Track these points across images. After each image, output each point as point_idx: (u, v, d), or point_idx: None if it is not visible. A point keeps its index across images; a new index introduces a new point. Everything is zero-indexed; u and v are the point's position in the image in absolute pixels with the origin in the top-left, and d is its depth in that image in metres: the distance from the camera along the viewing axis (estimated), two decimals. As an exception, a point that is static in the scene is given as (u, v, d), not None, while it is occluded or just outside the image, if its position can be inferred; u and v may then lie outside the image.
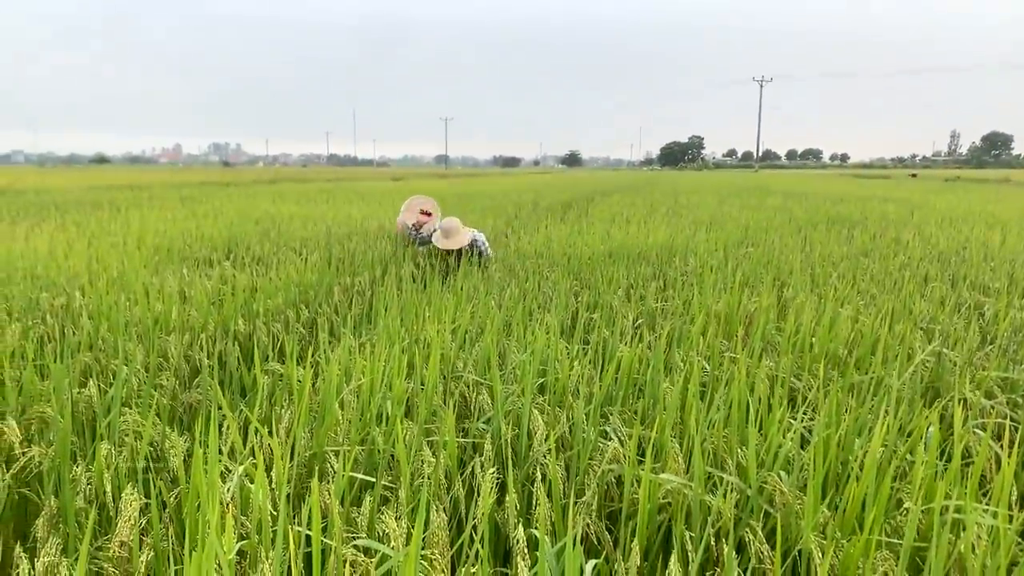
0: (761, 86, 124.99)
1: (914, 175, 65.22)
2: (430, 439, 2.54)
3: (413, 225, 7.81)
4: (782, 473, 2.28)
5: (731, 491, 2.19)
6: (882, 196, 21.27)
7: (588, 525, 2.15)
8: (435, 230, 7.01)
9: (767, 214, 13.09)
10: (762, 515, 2.22)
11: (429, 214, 7.86)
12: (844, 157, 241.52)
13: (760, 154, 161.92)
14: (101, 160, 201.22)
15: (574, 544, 1.68)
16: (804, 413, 2.83)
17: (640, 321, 4.52)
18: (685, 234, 8.98)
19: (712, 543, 2.09)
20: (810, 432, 2.86)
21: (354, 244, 8.11)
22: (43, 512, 2.07)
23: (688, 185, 33.13)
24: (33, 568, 1.78)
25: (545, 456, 2.47)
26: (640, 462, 2.36)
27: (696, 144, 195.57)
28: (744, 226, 10.51)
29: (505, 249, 7.96)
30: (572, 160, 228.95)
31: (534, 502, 2.16)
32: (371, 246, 7.97)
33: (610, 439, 2.56)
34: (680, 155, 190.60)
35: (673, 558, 1.81)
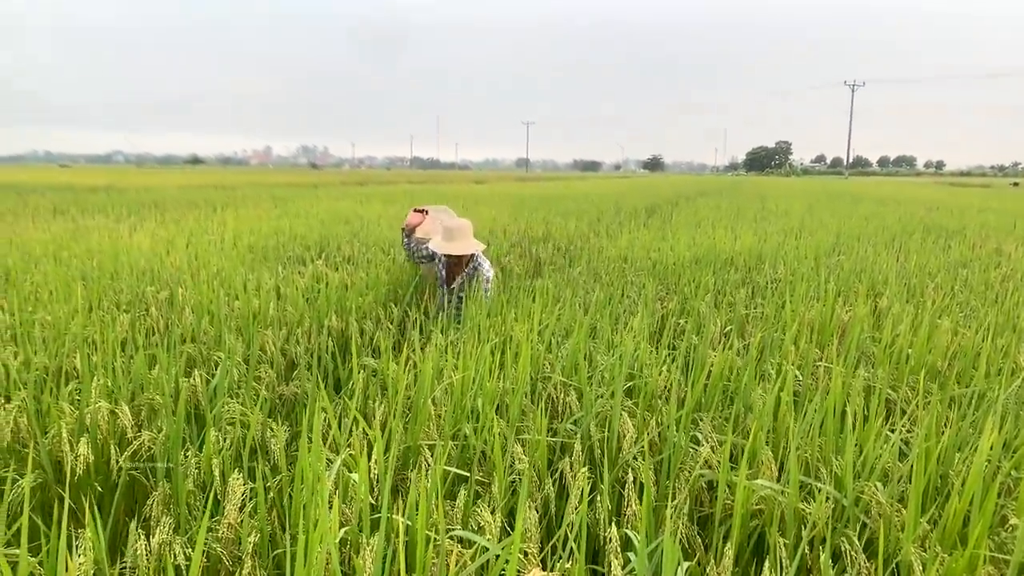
0: (852, 90, 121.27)
1: (1016, 184, 62.25)
2: (520, 437, 2.58)
3: (403, 229, 5.42)
4: (879, 484, 2.23)
5: (826, 500, 2.15)
6: (980, 206, 20.39)
7: (679, 528, 2.14)
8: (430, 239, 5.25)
9: (859, 222, 12.71)
10: (858, 526, 2.17)
11: (424, 211, 5.47)
12: (939, 164, 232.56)
13: (850, 160, 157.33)
14: (195, 161, 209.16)
15: (662, 544, 1.68)
16: (902, 425, 2.76)
17: (729, 328, 4.46)
18: (773, 241, 8.81)
19: (806, 551, 2.06)
20: (907, 444, 2.78)
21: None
22: (155, 493, 2.18)
23: (775, 191, 32.43)
24: (149, 544, 1.89)
25: (636, 458, 2.48)
26: (733, 468, 2.34)
27: (783, 149, 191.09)
28: (835, 233, 10.23)
29: (588, 253, 7.95)
30: (654, 164, 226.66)
31: (624, 503, 2.17)
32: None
33: (701, 445, 2.55)
34: (766, 160, 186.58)
35: (767, 565, 1.80)
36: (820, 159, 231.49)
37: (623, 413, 2.66)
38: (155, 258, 6.61)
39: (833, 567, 2.00)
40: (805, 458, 2.48)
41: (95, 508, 1.95)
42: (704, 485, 2.45)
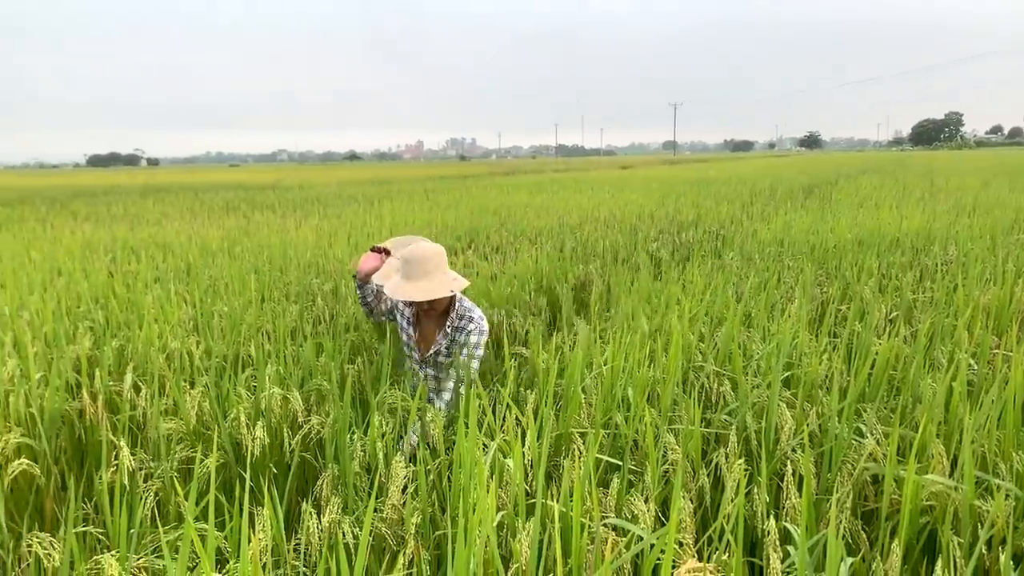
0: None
1: None
2: (672, 427, 2.56)
3: (355, 277, 3.51)
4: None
5: (1006, 498, 2.01)
6: None
7: (842, 523, 2.06)
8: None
9: (1043, 197, 11.67)
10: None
11: (383, 251, 3.47)
12: None
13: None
14: (352, 157, 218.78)
15: (824, 541, 1.63)
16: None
17: (895, 314, 4.23)
18: (944, 219, 8.24)
19: (984, 551, 1.93)
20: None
21: (586, 233, 8.25)
22: (325, 475, 2.32)
23: (945, 166, 30.25)
24: (320, 522, 2.01)
25: (795, 450, 2.40)
26: (900, 462, 2.23)
27: (954, 121, 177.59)
28: (1016, 210, 9.45)
29: (741, 237, 7.73)
30: (811, 142, 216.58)
31: (783, 496, 2.12)
32: (603, 235, 8.06)
33: (865, 437, 2.44)
34: (935, 133, 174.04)
35: (939, 564, 1.70)
36: (996, 130, 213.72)
37: (781, 404, 2.58)
38: (319, 251, 6.98)
39: (1015, 569, 1.86)
40: (981, 452, 2.32)
41: (273, 488, 2.10)
42: (868, 479, 2.35)
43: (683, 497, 1.97)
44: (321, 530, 1.98)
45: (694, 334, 3.42)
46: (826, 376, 3.04)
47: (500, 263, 6.17)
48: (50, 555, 1.79)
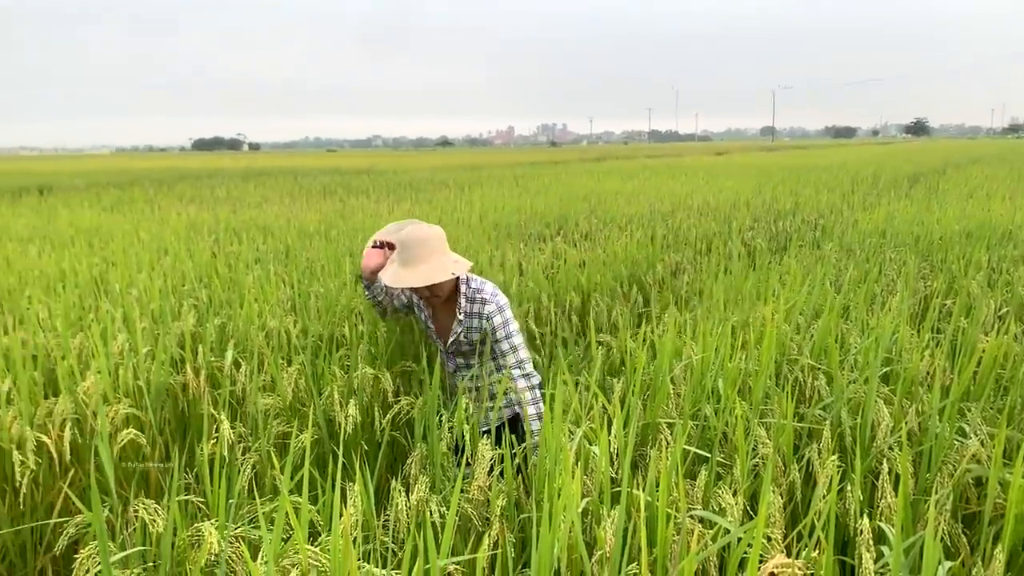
0: None
1: None
2: (763, 421, 2.50)
3: (360, 278, 3.36)
4: None
5: None
6: None
7: (940, 525, 1.99)
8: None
9: None
10: None
11: (386, 246, 3.17)
12: None
13: None
14: (444, 143, 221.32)
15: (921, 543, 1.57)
16: None
17: (1005, 310, 4.02)
18: (1063, 212, 7.77)
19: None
20: None
21: (678, 220, 8.13)
22: (414, 454, 2.37)
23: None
24: (408, 500, 2.05)
25: (891, 448, 2.32)
26: (1006, 464, 2.13)
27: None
28: None
29: (841, 227, 7.48)
30: (918, 129, 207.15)
31: (878, 495, 2.05)
32: (695, 223, 7.92)
33: (968, 437, 2.33)
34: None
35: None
36: None
37: (878, 400, 2.49)
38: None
39: None
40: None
41: (365, 464, 2.16)
42: (971, 481, 2.25)
43: (773, 492, 1.93)
44: (409, 508, 2.02)
45: (789, 326, 3.34)
46: (928, 373, 2.93)
47: (589, 250, 6.14)
48: (155, 521, 1.89)
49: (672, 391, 2.67)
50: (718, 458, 2.25)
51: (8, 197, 14.58)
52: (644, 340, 3.33)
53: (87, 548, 1.74)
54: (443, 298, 3.03)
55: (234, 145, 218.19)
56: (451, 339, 3.07)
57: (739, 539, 1.66)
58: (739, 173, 17.60)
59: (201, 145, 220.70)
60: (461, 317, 3.01)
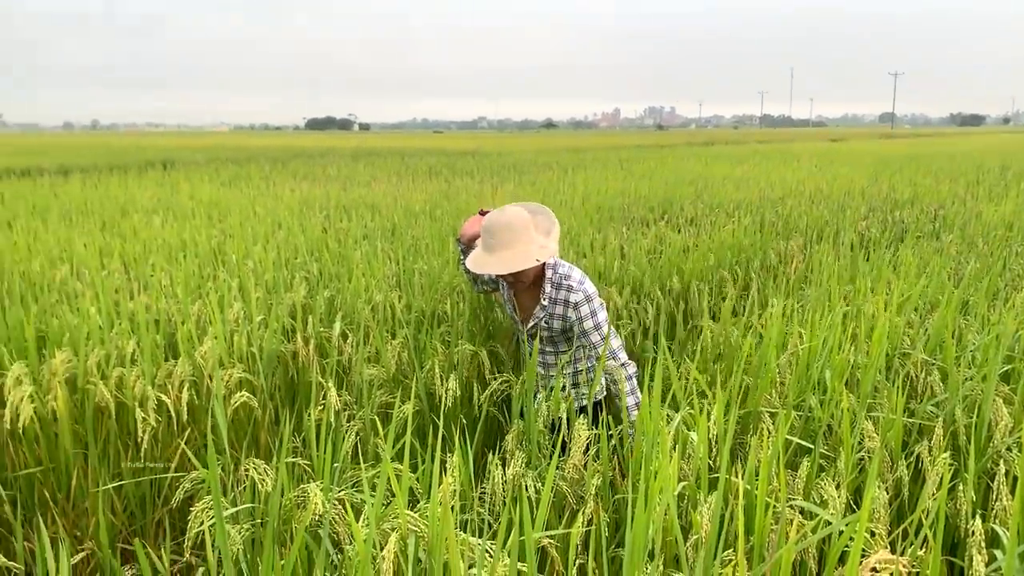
0: None
1: None
2: (871, 415, 2.42)
3: (459, 240, 3.21)
4: None
5: None
6: None
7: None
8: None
9: None
10: None
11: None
12: None
13: None
14: (549, 125, 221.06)
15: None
16: None
17: None
18: None
19: None
20: None
21: (788, 208, 7.89)
22: (511, 430, 2.40)
23: None
24: (504, 474, 2.09)
25: (1009, 449, 2.21)
26: None
27: None
28: None
29: (963, 218, 7.10)
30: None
31: (992, 496, 1.96)
32: (806, 210, 7.68)
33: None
34: None
35: None
36: None
37: (997, 398, 2.37)
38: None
39: None
40: None
41: (464, 437, 2.21)
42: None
43: (878, 487, 1.87)
44: (505, 481, 2.06)
45: (902, 318, 3.20)
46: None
47: (694, 235, 6.04)
48: (264, 480, 1.99)
49: (777, 379, 2.61)
50: (821, 450, 2.20)
51: (135, 170, 15.44)
52: (748, 327, 3.27)
53: (201, 503, 1.84)
54: (528, 283, 2.91)
55: (345, 125, 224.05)
56: (531, 323, 2.98)
57: (840, 532, 1.62)
58: (855, 160, 16.92)
59: (314, 124, 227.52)
60: (545, 303, 2.90)
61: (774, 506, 1.72)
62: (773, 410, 2.44)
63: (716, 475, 1.85)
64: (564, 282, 2.86)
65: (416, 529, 1.67)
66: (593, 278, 4.47)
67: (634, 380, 2.79)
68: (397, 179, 13.06)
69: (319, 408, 2.62)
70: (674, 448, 1.92)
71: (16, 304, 3.24)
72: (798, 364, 2.63)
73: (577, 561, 1.72)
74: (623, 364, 2.79)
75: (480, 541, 1.61)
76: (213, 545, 1.67)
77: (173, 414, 2.74)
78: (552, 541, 1.80)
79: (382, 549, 1.60)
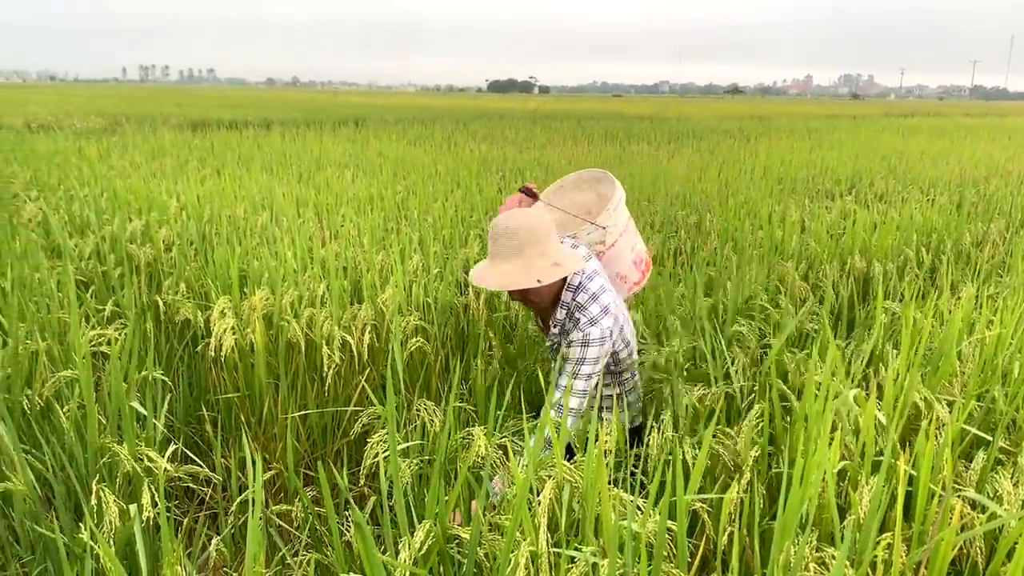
0: None
1: None
2: (1065, 412, 2.25)
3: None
4: None
5: None
6: None
7: None
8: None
9: None
10: None
11: (531, 193, 2.64)
12: None
13: None
14: (734, 91, 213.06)
15: None
16: None
17: None
18: None
19: None
20: None
21: (992, 188, 7.28)
22: (667, 397, 2.42)
23: None
24: (660, 439, 2.12)
25: None
26: None
27: None
28: None
29: None
30: None
31: None
32: (1015, 191, 7.05)
33: None
34: None
35: None
36: None
37: None
38: (688, 184, 7.03)
39: None
40: None
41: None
42: None
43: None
44: (661, 445, 2.09)
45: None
46: None
47: (883, 213, 5.71)
48: (433, 421, 2.13)
49: (958, 368, 2.47)
50: (1001, 444, 2.08)
51: (330, 127, 16.36)
52: (932, 311, 3.09)
53: (377, 435, 2.00)
54: (541, 304, 2.37)
55: (526, 88, 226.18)
56: (548, 341, 2.51)
57: (1011, 527, 1.54)
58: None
59: (496, 87, 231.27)
60: (555, 329, 2.39)
61: (939, 494, 1.66)
62: (951, 399, 2.32)
63: (881, 458, 1.80)
64: (576, 314, 2.29)
65: (571, 480, 1.74)
66: (768, 250, 4.33)
67: (584, 404, 2.24)
68: (572, 143, 13.11)
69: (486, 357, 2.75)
70: (836, 428, 1.88)
71: (223, 244, 3.58)
72: (983, 352, 2.48)
73: (728, 529, 1.74)
74: (582, 391, 2.23)
75: (632, 498, 1.66)
76: (386, 474, 1.81)
77: (355, 354, 2.95)
78: (704, 505, 1.82)
79: (538, 494, 1.68)
